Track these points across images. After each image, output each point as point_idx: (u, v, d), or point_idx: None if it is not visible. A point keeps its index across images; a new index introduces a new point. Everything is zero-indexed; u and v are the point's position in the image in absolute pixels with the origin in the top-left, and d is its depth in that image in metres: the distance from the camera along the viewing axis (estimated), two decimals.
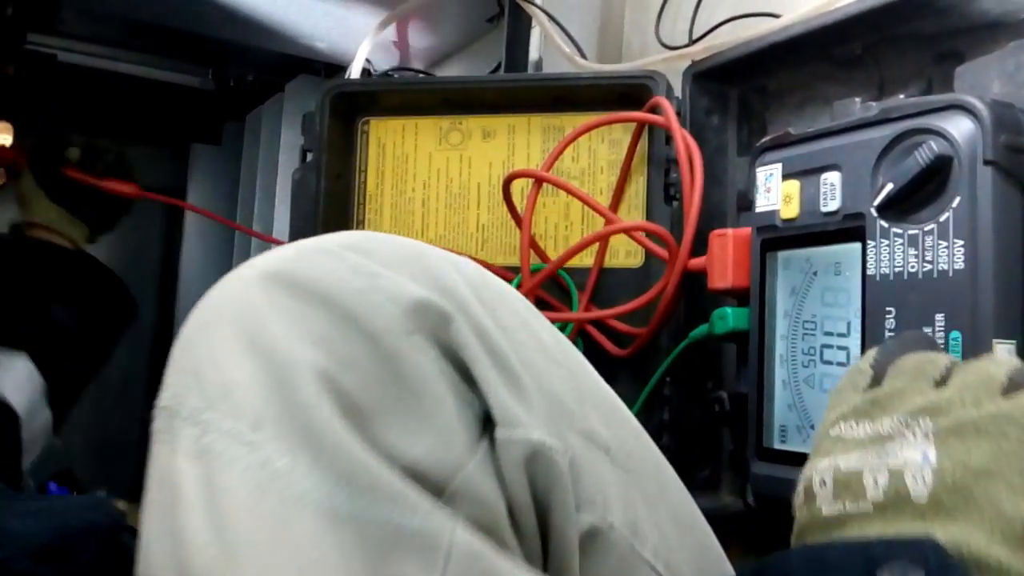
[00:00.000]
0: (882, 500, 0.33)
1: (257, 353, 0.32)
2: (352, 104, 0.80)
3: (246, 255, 1.23)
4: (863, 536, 0.33)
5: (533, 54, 0.89)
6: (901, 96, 0.53)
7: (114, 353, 1.09)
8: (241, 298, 0.33)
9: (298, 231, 0.80)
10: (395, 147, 0.80)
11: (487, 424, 0.34)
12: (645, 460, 0.40)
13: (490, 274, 0.39)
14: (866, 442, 0.35)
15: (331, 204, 0.79)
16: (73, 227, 1.04)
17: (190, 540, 0.30)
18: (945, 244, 0.46)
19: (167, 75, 1.32)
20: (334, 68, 1.18)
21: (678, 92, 0.70)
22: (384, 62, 1.09)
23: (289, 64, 1.20)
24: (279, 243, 1.10)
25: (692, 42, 0.75)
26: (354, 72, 0.90)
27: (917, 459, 0.33)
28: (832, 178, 0.52)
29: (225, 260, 1.31)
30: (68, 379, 0.96)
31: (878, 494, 0.33)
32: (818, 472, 0.36)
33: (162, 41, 1.22)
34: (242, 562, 0.29)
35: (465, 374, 0.34)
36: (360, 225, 0.80)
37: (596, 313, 0.71)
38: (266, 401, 0.31)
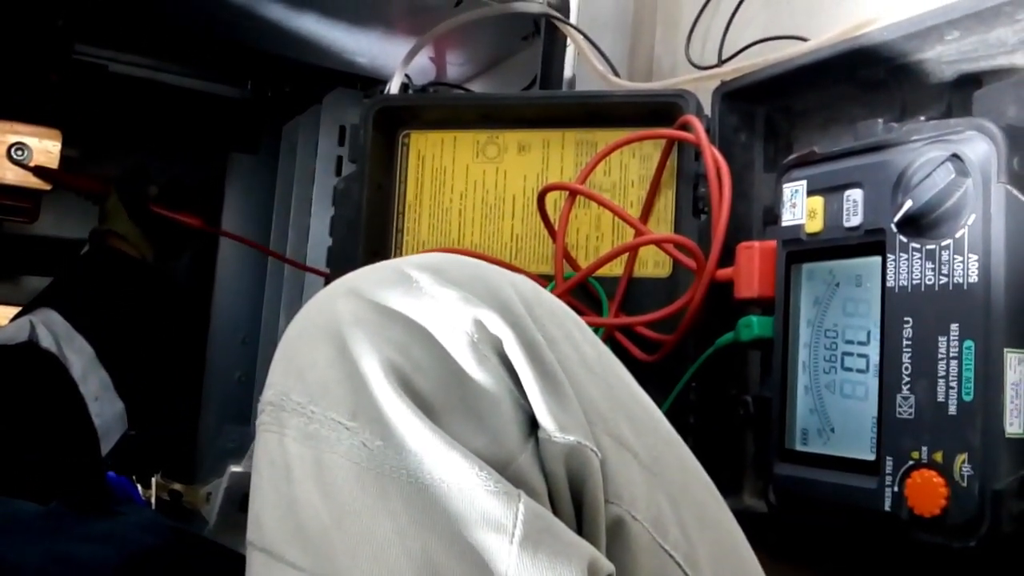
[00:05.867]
0: None
1: (347, 357, 0.37)
2: (394, 118, 0.83)
3: (280, 273, 1.27)
4: None
5: (567, 71, 0.92)
6: (922, 118, 0.56)
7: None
8: (332, 310, 0.39)
9: (342, 237, 0.83)
10: (434, 159, 0.83)
11: (535, 423, 0.39)
12: (671, 464, 0.44)
13: (544, 292, 0.43)
14: None
15: (372, 212, 0.82)
16: (144, 246, 1.12)
17: (304, 507, 0.35)
18: (960, 259, 0.49)
19: (208, 86, 1.36)
20: (370, 81, 1.22)
21: (707, 110, 0.73)
22: (421, 77, 1.12)
23: (328, 77, 1.23)
24: (313, 271, 1.13)
25: (721, 62, 0.78)
26: (394, 87, 0.93)
27: None
28: (855, 195, 0.55)
29: (259, 279, 1.34)
30: (135, 375, 1.01)
31: None
32: None
33: (207, 53, 1.26)
34: (351, 523, 0.34)
35: (517, 381, 0.39)
36: (399, 233, 0.83)
37: (626, 320, 0.73)
38: (357, 397, 0.36)
